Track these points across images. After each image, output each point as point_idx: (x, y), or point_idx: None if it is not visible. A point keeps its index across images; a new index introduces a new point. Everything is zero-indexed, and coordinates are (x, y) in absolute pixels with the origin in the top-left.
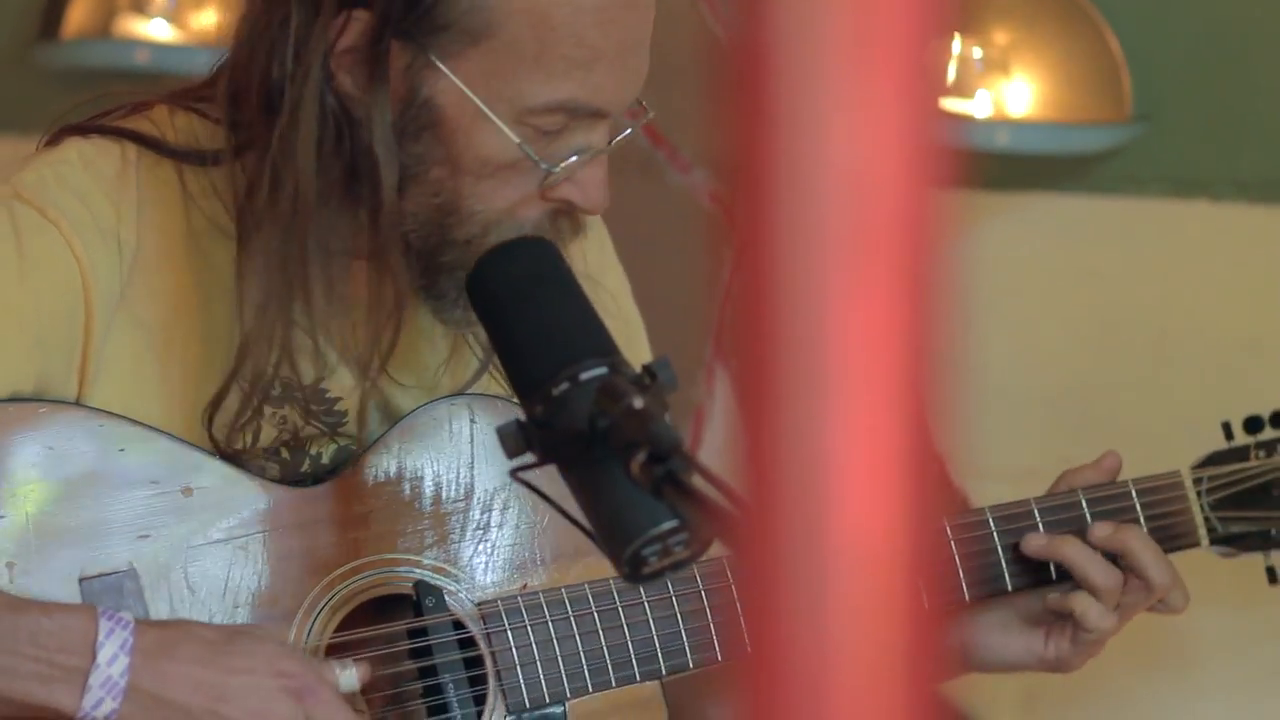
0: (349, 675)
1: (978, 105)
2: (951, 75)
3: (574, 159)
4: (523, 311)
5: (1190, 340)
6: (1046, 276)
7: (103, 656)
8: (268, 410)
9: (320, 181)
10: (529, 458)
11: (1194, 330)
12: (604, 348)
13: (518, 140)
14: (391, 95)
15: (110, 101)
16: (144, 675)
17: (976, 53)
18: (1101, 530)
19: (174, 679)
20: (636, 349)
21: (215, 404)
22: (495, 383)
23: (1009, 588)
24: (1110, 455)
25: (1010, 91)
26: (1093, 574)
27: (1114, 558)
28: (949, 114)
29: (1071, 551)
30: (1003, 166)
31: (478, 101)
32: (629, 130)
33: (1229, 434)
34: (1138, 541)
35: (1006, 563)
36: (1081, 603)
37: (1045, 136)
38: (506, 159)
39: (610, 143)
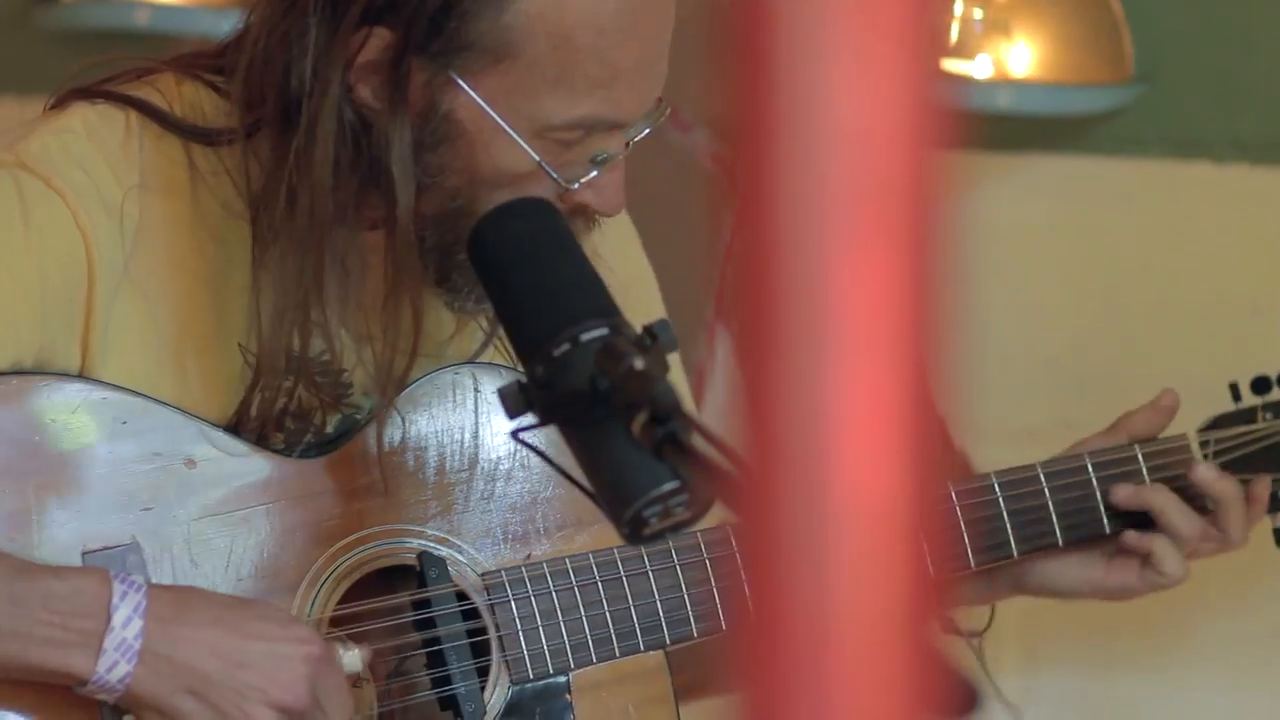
0: (353, 656)
1: (979, 66)
2: (952, 36)
3: (594, 174)
4: (523, 272)
5: (1191, 301)
6: (1047, 238)
7: (117, 619)
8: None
9: (336, 196)
10: (530, 419)
11: (1195, 291)
12: (605, 308)
13: (537, 157)
14: (411, 109)
15: (116, 66)
16: (158, 638)
17: (977, 14)
18: (1122, 492)
19: (189, 643)
20: (649, 303)
21: (239, 418)
22: (501, 355)
23: (1014, 554)
24: (1167, 393)
25: (1011, 53)
26: (1179, 522)
27: (1139, 519)
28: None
29: (1160, 499)
30: (1003, 127)
31: (497, 118)
32: (646, 131)
33: (1236, 395)
34: (1160, 497)
35: (1012, 528)
36: (1161, 546)
37: (1046, 97)
38: (524, 170)
39: (628, 145)
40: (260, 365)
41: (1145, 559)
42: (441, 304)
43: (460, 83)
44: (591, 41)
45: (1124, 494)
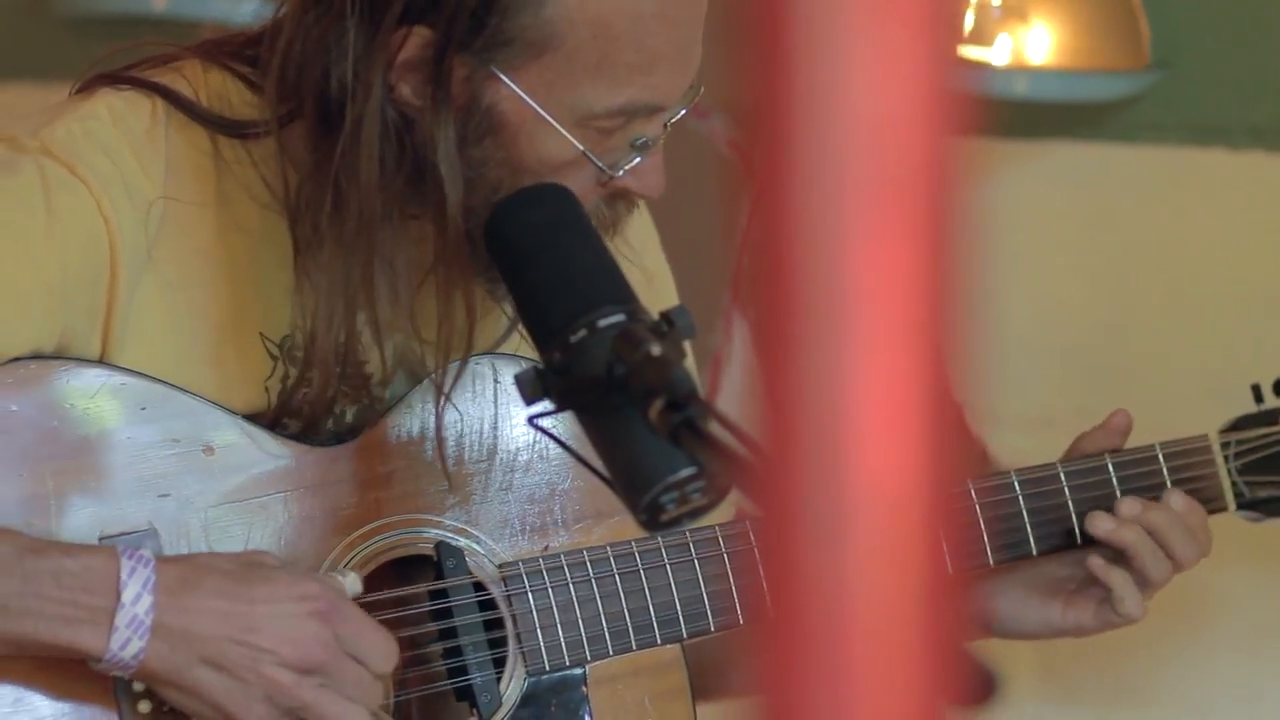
0: (352, 580)
1: (996, 52)
2: (970, 22)
3: (636, 160)
4: (541, 258)
5: (1207, 288)
6: (1064, 224)
7: (127, 595)
8: (292, 370)
9: (384, 196)
10: (547, 405)
11: (1211, 278)
12: (622, 295)
13: (581, 147)
14: (454, 105)
15: (142, 52)
16: (169, 612)
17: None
18: (1130, 508)
19: (199, 613)
20: (666, 300)
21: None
22: (526, 344)
23: (1034, 552)
24: (1119, 414)
25: (1029, 39)
26: (1150, 567)
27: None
28: (967, 61)
29: (1132, 539)
30: (1021, 114)
31: (539, 109)
32: (682, 113)
33: (1259, 397)
34: (1133, 536)
35: (1031, 527)
36: (1120, 585)
37: (1063, 84)
38: (567, 159)
39: (666, 128)
40: (309, 363)
41: (1104, 596)
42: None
43: (503, 77)
44: (629, 28)
45: (1102, 528)
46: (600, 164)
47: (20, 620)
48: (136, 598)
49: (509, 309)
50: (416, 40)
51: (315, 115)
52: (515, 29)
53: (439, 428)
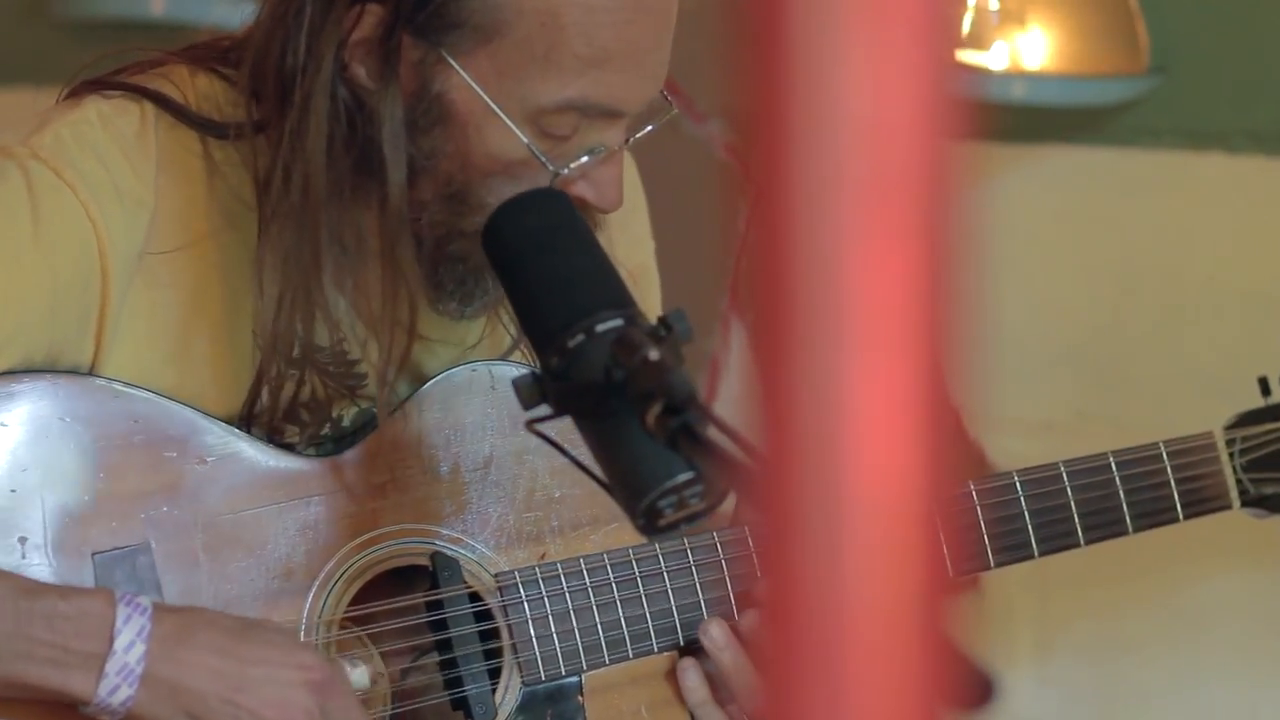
0: (360, 674)
1: (994, 57)
2: (968, 27)
3: (585, 159)
4: (538, 263)
5: (1204, 292)
6: (1062, 228)
7: (120, 643)
8: (289, 373)
9: (331, 174)
10: (544, 410)
11: (1208, 282)
12: (620, 299)
13: (526, 141)
14: (404, 89)
15: (129, 57)
16: (161, 663)
17: (993, 4)
18: (714, 631)
19: (191, 667)
20: (650, 302)
21: (249, 408)
22: (526, 359)
23: (1035, 554)
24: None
25: (1026, 43)
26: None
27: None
28: (965, 66)
29: (720, 659)
30: (1018, 118)
31: (488, 100)
32: (650, 128)
33: (1265, 390)
34: (725, 660)
35: (1033, 528)
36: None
37: (1061, 88)
38: (516, 157)
39: (628, 141)
40: (264, 349)
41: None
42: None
43: (451, 62)
44: (579, 19)
45: (713, 635)
46: (545, 159)
47: (11, 662)
48: (129, 645)
49: (513, 330)
50: (370, 19)
51: (275, 94)
52: (464, 12)
53: (381, 413)
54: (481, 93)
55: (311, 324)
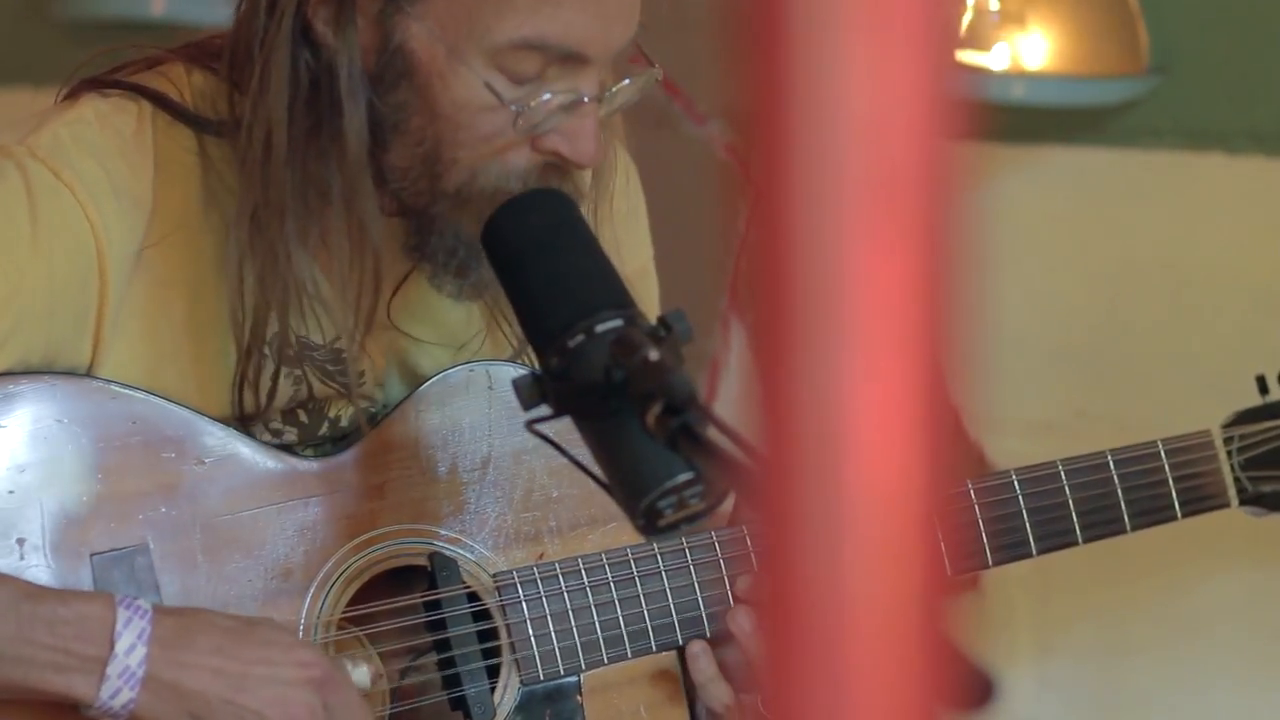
0: (361, 673)
1: (994, 57)
2: (968, 27)
3: (547, 97)
4: (538, 263)
5: (1205, 292)
6: (1062, 229)
7: (120, 646)
8: (284, 370)
9: (293, 131)
10: (544, 410)
11: (1209, 282)
12: (620, 299)
13: (485, 79)
14: (367, 44)
15: (125, 56)
16: (162, 665)
17: (993, 4)
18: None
19: (192, 668)
20: (649, 303)
21: (237, 394)
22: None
23: (1034, 552)
24: None
25: (1026, 44)
26: (709, 693)
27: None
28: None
29: (699, 674)
30: (1019, 119)
31: (446, 45)
32: (626, 81)
33: (1263, 388)
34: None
35: (1031, 526)
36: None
37: (1061, 89)
38: (482, 102)
39: (602, 93)
40: (235, 323)
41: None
42: (464, 302)
43: (408, 10)
44: None
45: (741, 622)
46: (507, 100)
47: (13, 666)
48: (130, 648)
49: (514, 339)
50: None
51: (247, 73)
52: None
53: (352, 371)
54: (438, 35)
55: (279, 288)
